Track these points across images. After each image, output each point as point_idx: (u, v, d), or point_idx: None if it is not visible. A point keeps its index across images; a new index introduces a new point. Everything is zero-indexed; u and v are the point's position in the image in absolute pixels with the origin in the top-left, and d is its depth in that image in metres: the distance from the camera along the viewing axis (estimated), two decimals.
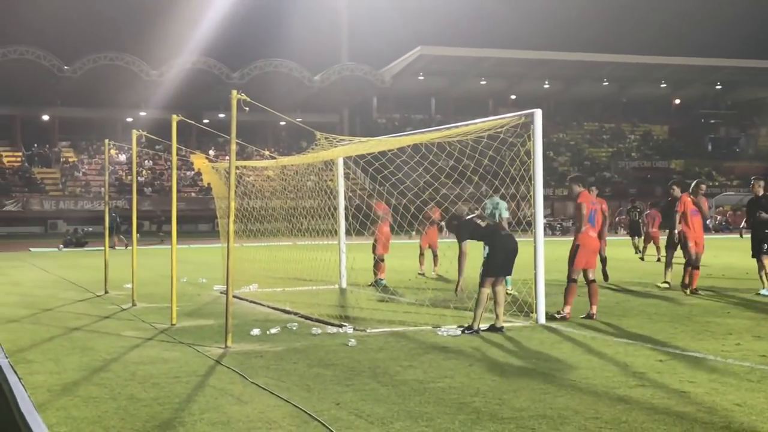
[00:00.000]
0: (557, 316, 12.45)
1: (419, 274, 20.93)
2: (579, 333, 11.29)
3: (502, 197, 16.31)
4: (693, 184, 16.78)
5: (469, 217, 11.95)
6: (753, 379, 8.15)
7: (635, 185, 74.38)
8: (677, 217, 16.24)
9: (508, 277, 15.83)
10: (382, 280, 18.39)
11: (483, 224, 11.74)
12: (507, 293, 14.92)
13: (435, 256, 21.17)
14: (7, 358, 4.46)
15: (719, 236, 47.96)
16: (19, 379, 4.13)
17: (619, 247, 30.74)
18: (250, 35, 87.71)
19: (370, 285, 17.95)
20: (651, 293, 16.29)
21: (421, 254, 21.32)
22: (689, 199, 16.29)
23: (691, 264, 16.01)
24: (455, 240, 11.65)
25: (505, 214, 16.36)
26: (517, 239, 11.83)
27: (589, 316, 12.68)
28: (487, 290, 11.43)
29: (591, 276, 13.13)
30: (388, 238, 18.79)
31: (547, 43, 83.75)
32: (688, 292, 15.83)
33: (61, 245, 40.02)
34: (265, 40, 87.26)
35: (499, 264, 11.52)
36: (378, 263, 18.64)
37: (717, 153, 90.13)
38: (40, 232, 59.82)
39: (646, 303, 14.77)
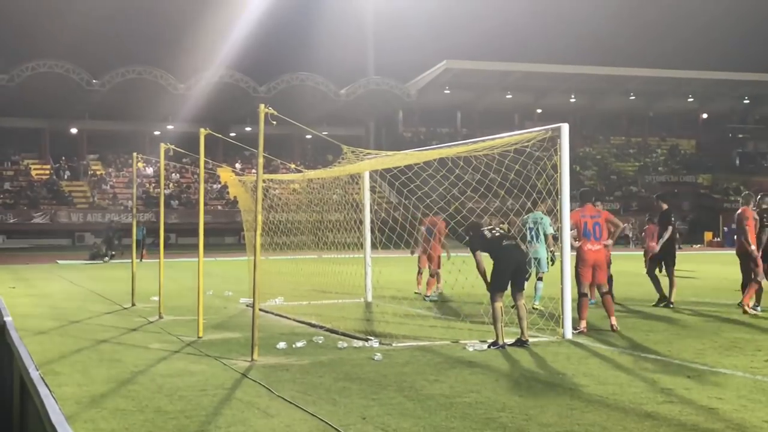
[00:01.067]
0: (574, 332, 12.37)
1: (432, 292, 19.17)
2: (606, 348, 11.23)
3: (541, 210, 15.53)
4: (758, 198, 15.97)
5: (481, 229, 11.87)
6: None
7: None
8: (747, 233, 15.06)
9: (537, 293, 15.86)
10: (427, 296, 18.16)
11: (489, 236, 11.69)
12: (533, 308, 14.89)
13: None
14: (37, 370, 4.51)
15: None
16: (50, 391, 4.17)
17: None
18: (276, 49, 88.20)
19: (415, 292, 18.69)
20: (678, 309, 16.13)
21: (420, 273, 19.32)
22: (751, 213, 15.34)
23: (757, 282, 15.08)
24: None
25: (550, 230, 15.69)
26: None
27: (612, 329, 12.76)
28: (499, 304, 11.34)
29: (603, 289, 13.22)
30: (428, 252, 18.15)
31: (573, 57, 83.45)
32: (740, 307, 15.18)
33: (98, 258, 39.75)
34: (292, 53, 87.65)
35: (506, 276, 11.43)
36: (418, 276, 18.99)
37: (745, 167, 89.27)
38: (68, 245, 60.23)
39: (673, 319, 14.65)
